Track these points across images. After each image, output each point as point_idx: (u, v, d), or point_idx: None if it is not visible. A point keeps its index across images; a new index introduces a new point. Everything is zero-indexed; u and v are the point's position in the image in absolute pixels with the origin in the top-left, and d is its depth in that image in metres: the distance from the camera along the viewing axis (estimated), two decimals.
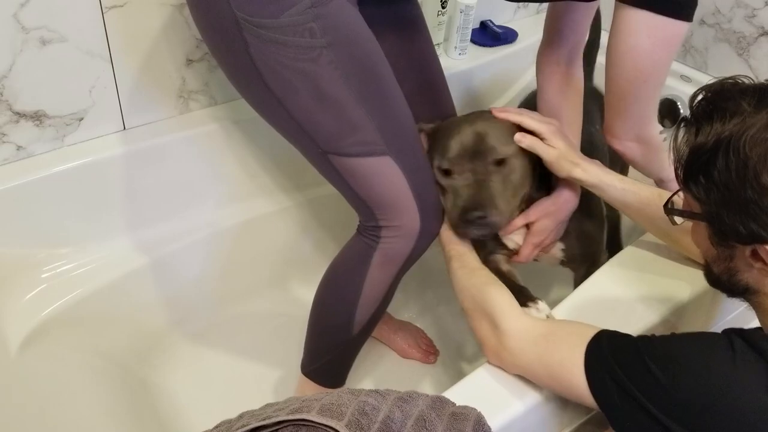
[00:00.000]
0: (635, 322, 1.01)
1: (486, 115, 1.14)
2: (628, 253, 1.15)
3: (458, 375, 1.41)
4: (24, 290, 1.29)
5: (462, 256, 1.05)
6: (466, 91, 1.63)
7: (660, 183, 1.22)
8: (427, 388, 1.47)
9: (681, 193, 0.85)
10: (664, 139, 1.37)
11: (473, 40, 1.84)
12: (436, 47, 1.74)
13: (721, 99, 0.75)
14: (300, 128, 1.03)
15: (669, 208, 0.87)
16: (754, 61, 1.63)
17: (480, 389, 0.92)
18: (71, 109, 1.31)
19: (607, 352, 0.81)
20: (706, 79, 1.67)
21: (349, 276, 1.15)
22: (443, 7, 1.70)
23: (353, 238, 1.16)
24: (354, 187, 1.07)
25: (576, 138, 1.23)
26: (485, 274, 1.02)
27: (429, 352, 1.53)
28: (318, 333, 1.23)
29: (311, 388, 1.24)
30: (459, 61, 1.79)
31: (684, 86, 1.70)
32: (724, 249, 0.79)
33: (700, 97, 0.78)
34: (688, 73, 1.73)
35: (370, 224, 1.11)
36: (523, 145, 1.08)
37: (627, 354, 0.80)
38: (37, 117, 1.28)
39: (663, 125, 1.75)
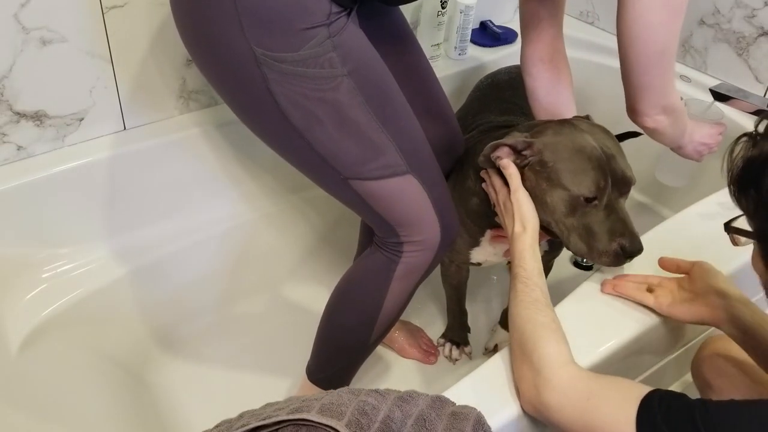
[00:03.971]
0: (639, 320, 1.02)
1: (602, 128, 1.09)
2: None
3: (458, 375, 1.41)
4: (24, 290, 1.29)
5: (528, 281, 0.96)
6: (466, 91, 1.63)
7: (678, 149, 1.23)
8: (427, 388, 1.47)
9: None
10: (685, 104, 1.36)
11: (473, 40, 1.84)
12: (436, 47, 1.75)
13: None
14: (321, 158, 1.02)
15: (728, 226, 0.81)
16: (754, 61, 1.63)
17: (480, 389, 0.92)
18: (71, 109, 1.31)
19: (660, 419, 0.74)
20: (706, 80, 1.68)
21: (370, 290, 1.14)
22: (443, 7, 1.71)
23: (372, 252, 1.14)
24: (377, 209, 1.06)
25: None
26: (545, 312, 0.92)
27: (429, 352, 1.54)
28: (332, 343, 1.22)
29: (315, 393, 1.24)
30: (459, 61, 1.80)
31: (683, 86, 1.70)
32: None
33: (766, 122, 0.75)
34: (688, 73, 1.73)
35: (392, 240, 1.10)
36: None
37: (681, 423, 0.73)
38: (38, 117, 1.28)
39: None
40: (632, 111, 1.12)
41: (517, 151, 1.05)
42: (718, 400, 0.74)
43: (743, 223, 0.80)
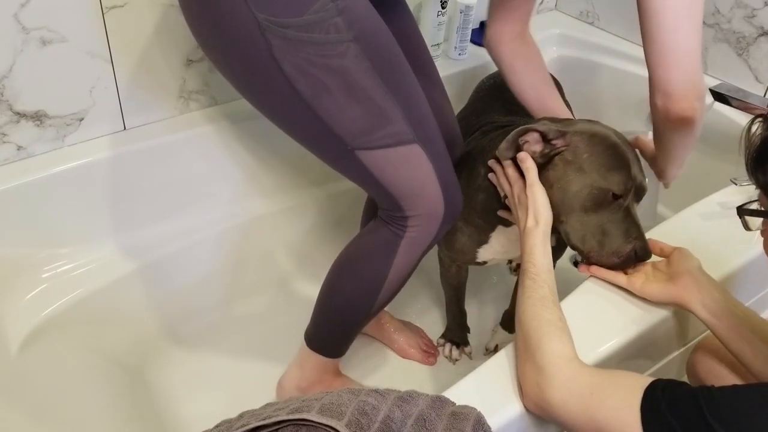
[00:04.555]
0: (638, 320, 1.02)
1: (621, 134, 1.09)
2: None
3: (458, 375, 1.41)
4: (24, 290, 1.29)
5: (537, 277, 0.96)
6: (466, 91, 1.63)
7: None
8: (427, 388, 1.47)
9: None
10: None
11: (473, 41, 1.84)
12: (436, 47, 1.75)
13: None
14: (326, 129, 1.00)
15: (741, 209, 0.84)
16: (754, 61, 1.63)
17: (480, 389, 0.92)
18: (71, 109, 1.31)
19: (665, 407, 0.75)
20: (706, 80, 1.67)
21: (374, 264, 1.14)
22: (443, 7, 1.71)
23: (377, 226, 1.13)
24: (381, 180, 1.05)
25: (564, 107, 1.27)
26: (551, 310, 0.92)
27: (429, 353, 1.53)
28: (333, 315, 1.22)
29: (313, 360, 1.26)
30: (459, 61, 1.80)
31: None
32: None
33: None
34: None
35: (397, 214, 1.09)
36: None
37: (686, 410, 0.73)
38: (38, 117, 1.28)
39: None
40: (666, 94, 1.02)
41: (546, 140, 1.04)
42: (720, 386, 0.74)
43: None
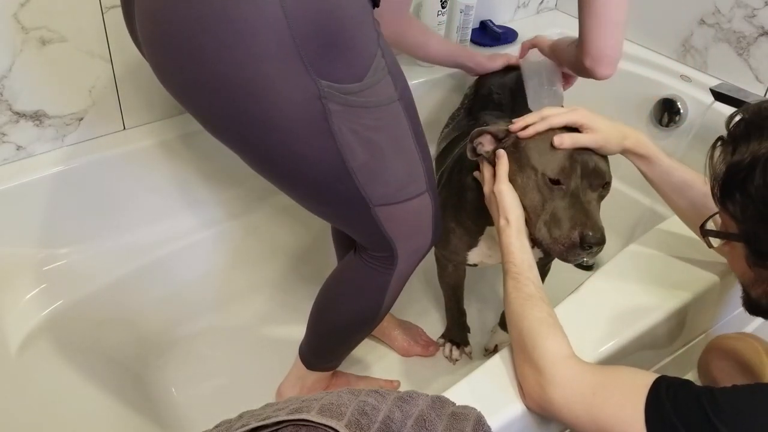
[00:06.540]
0: (639, 320, 1.02)
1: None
2: (631, 250, 1.15)
3: (458, 375, 1.41)
4: (24, 290, 1.29)
5: (519, 276, 0.94)
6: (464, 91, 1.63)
7: None
8: (427, 388, 1.47)
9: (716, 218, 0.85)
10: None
11: (473, 40, 1.84)
12: None
13: (759, 119, 0.77)
14: (355, 191, 0.95)
15: (705, 230, 0.85)
16: (754, 61, 1.63)
17: (480, 389, 0.92)
18: (71, 109, 1.31)
19: (669, 408, 0.74)
20: (706, 79, 1.68)
21: (369, 301, 1.14)
22: (443, 7, 1.70)
23: (362, 270, 1.11)
24: (386, 229, 1.03)
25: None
26: (540, 307, 0.91)
27: (428, 346, 1.54)
28: (330, 341, 1.24)
29: (313, 376, 1.28)
30: None
31: (684, 86, 1.70)
32: (762, 270, 0.78)
33: (737, 118, 0.79)
34: (688, 72, 1.73)
35: (384, 254, 1.08)
36: (566, 146, 0.99)
37: (690, 411, 0.73)
38: (37, 117, 1.28)
39: (661, 123, 1.75)
40: (596, 60, 1.18)
41: (498, 140, 1.06)
42: (721, 387, 0.75)
43: (713, 226, 0.86)
